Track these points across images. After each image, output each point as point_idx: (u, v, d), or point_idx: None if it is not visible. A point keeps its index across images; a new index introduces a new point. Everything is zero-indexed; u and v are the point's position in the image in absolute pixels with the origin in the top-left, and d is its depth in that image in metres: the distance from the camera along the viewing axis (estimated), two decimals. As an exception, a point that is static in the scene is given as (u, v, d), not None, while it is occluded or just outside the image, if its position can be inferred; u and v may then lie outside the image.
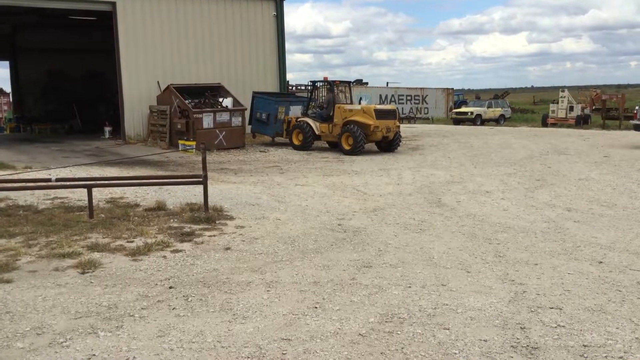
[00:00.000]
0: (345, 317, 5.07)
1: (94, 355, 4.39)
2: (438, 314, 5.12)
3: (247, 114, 21.24)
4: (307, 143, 19.64)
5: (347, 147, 18.50)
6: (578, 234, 8.01)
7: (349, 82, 21.31)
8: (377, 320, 5.01)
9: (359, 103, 20.01)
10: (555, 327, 4.82)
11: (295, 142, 19.96)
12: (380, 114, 18.62)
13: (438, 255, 7.01)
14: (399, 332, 4.75)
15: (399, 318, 5.04)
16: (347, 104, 19.90)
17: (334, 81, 20.14)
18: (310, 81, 21.09)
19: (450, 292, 5.69)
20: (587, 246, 7.38)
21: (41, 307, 5.34)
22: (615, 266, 6.51)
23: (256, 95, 22.00)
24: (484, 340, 4.57)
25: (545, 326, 4.83)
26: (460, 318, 5.03)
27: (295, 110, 21.57)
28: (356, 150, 18.21)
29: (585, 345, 4.46)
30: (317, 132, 19.57)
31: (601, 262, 6.67)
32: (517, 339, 4.59)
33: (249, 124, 21.69)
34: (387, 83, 50.79)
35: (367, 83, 46.02)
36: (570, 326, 4.83)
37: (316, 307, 5.32)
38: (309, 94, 20.85)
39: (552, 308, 5.24)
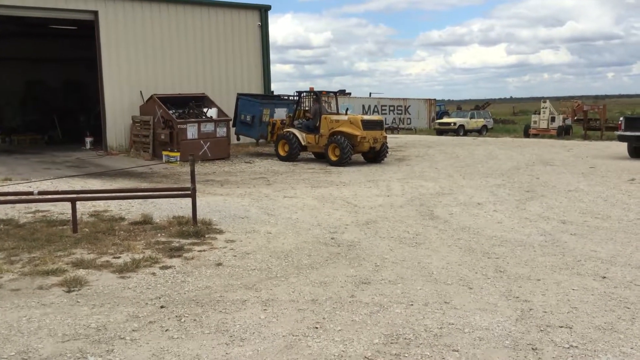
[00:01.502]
0: (348, 339, 4.84)
1: (84, 382, 4.12)
2: (445, 334, 4.92)
3: (232, 117, 20.94)
4: (294, 154, 19.37)
5: (333, 158, 18.28)
6: (577, 248, 7.87)
7: (335, 93, 21.09)
8: (382, 341, 4.79)
9: (346, 113, 19.69)
10: (568, 347, 4.63)
11: (282, 152, 19.68)
12: (367, 125, 18.42)
13: (437, 271, 6.81)
14: (406, 355, 4.53)
15: (405, 339, 4.83)
16: (334, 114, 19.66)
17: (320, 91, 19.94)
18: (296, 91, 20.88)
19: (454, 310, 5.49)
20: (588, 260, 7.23)
21: (26, 330, 5.04)
22: (619, 282, 6.36)
23: (240, 97, 21.72)
24: (496, 363, 4.37)
25: (558, 347, 4.65)
26: (468, 338, 4.83)
27: (280, 113, 21.32)
28: (343, 161, 17.99)
29: (601, 368, 4.28)
30: (303, 143, 19.32)
31: (604, 277, 6.52)
32: (531, 361, 4.40)
33: (233, 125, 21.41)
34: (370, 93, 50.81)
35: (349, 93, 45.94)
36: (583, 346, 4.65)
37: (317, 327, 5.09)
38: (295, 105, 20.55)
39: (561, 327, 5.06)
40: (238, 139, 21.94)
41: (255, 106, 21.05)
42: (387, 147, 19.55)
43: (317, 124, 19.05)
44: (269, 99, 23.16)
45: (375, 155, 19.06)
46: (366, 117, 20.55)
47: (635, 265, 7.01)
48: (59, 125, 27.34)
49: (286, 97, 23.60)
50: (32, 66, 28.14)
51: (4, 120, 29.33)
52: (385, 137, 19.24)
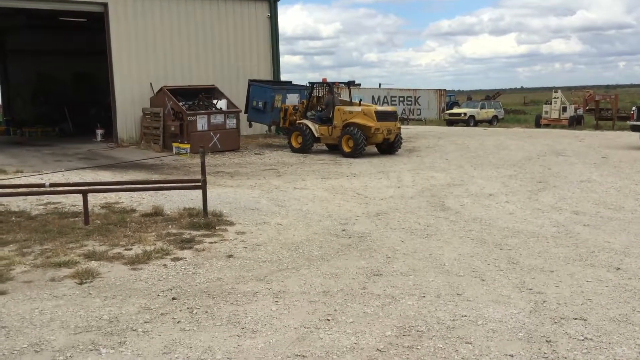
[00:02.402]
0: (360, 331, 4.82)
1: (97, 374, 4.12)
2: (457, 327, 4.88)
3: (242, 110, 20.85)
4: (307, 146, 19.23)
5: (347, 150, 18.11)
6: (590, 239, 7.80)
7: (348, 83, 20.85)
8: (395, 333, 4.76)
9: (359, 104, 19.46)
10: (583, 339, 4.59)
11: (295, 144, 19.55)
12: (381, 116, 18.19)
13: (449, 262, 6.77)
14: (419, 347, 4.50)
15: (417, 331, 4.80)
16: (347, 105, 19.39)
17: (333, 82, 19.74)
18: (309, 82, 20.65)
19: (467, 302, 5.45)
20: (602, 251, 7.17)
21: (38, 322, 5.05)
22: (634, 273, 6.29)
23: (252, 83, 21.60)
24: (510, 356, 4.33)
25: (572, 339, 4.60)
26: (481, 331, 4.79)
27: (292, 99, 21.13)
28: (356, 152, 17.82)
29: (617, 360, 4.24)
30: (316, 135, 19.14)
31: (619, 269, 6.46)
32: (545, 353, 4.36)
33: (245, 112, 21.34)
34: (380, 84, 50.61)
35: (359, 84, 45.75)
36: (597, 339, 4.61)
37: (328, 320, 5.06)
38: (308, 96, 20.38)
39: (576, 319, 5.01)
40: (250, 125, 21.86)
41: (267, 92, 20.91)
42: (401, 139, 19.33)
43: (330, 116, 18.88)
44: (281, 84, 22.99)
45: (389, 147, 18.87)
46: (380, 108, 20.18)
47: (650, 256, 6.94)
48: (70, 118, 27.43)
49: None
50: (42, 59, 28.23)
51: (16, 113, 29.48)
52: (399, 129, 19.00)
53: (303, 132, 19.22)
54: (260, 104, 20.87)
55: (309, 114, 19.79)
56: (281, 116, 20.52)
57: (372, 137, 18.04)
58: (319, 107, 20.02)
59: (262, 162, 17.24)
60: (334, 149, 19.18)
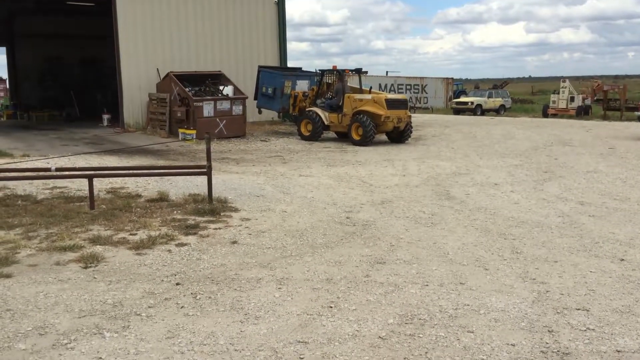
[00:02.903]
0: (362, 318, 4.83)
1: (101, 358, 4.15)
2: (460, 315, 4.89)
3: (248, 97, 20.77)
4: (317, 133, 19.05)
5: (356, 138, 17.96)
6: (595, 230, 7.78)
7: (359, 71, 20.54)
8: (397, 321, 4.77)
9: (369, 92, 19.29)
10: (585, 330, 4.59)
11: (304, 132, 19.37)
12: (392, 104, 18.01)
13: (453, 251, 6.78)
14: (420, 335, 4.51)
15: (420, 319, 4.81)
16: (357, 93, 19.21)
17: (343, 70, 19.52)
18: (319, 70, 20.49)
19: (470, 292, 5.46)
20: (606, 242, 7.15)
21: (43, 305, 5.09)
22: (638, 264, 6.28)
23: (262, 69, 21.52)
24: (512, 345, 4.34)
25: (574, 329, 4.61)
26: (483, 320, 4.80)
27: (302, 85, 21.00)
28: (366, 141, 17.66)
29: (618, 351, 4.24)
30: (326, 122, 18.97)
31: (623, 260, 6.44)
32: (547, 343, 4.36)
33: (255, 99, 21.30)
34: (387, 72, 50.40)
35: (366, 72, 45.55)
36: (600, 329, 4.61)
37: (331, 307, 5.08)
38: (318, 83, 20.18)
39: (578, 309, 5.01)
40: (260, 112, 21.83)
41: (276, 78, 20.80)
42: (411, 127, 19.13)
43: (340, 103, 18.71)
44: (291, 71, 22.86)
45: (399, 135, 18.69)
46: (390, 95, 20.05)
47: (655, 248, 6.92)
48: (77, 102, 27.47)
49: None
50: (50, 43, 28.26)
51: (23, 97, 29.54)
52: (410, 117, 18.79)
53: (313, 119, 19.04)
54: (270, 90, 20.78)
55: (318, 101, 19.63)
56: (291, 103, 20.38)
57: (382, 125, 17.88)
58: (328, 95, 19.87)
59: (267, 149, 17.24)
60: (344, 137, 19.03)
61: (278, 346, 4.33)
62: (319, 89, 19.97)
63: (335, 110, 18.89)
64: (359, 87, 19.92)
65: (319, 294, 5.41)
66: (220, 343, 4.39)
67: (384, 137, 19.06)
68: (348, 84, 19.67)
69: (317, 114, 19.02)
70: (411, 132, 19.13)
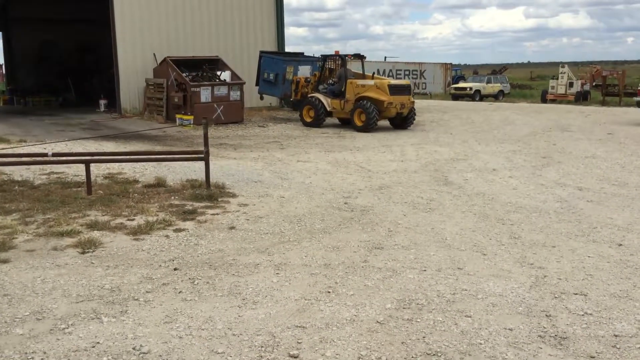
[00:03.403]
0: (360, 303, 4.83)
1: (98, 343, 4.14)
2: (458, 300, 4.89)
3: (245, 82, 20.62)
4: (319, 120, 18.79)
5: (359, 124, 17.79)
6: (593, 215, 7.78)
7: (362, 56, 20.15)
8: (395, 306, 4.77)
9: (372, 77, 19.05)
10: (583, 314, 4.59)
11: (307, 118, 19.10)
12: (394, 90, 17.80)
13: (451, 237, 6.77)
14: (418, 320, 4.51)
15: (417, 304, 4.81)
16: (360, 78, 18.94)
17: (346, 55, 19.24)
18: (322, 55, 20.20)
19: (467, 277, 5.45)
20: (604, 227, 7.15)
21: (40, 290, 5.08)
22: (636, 249, 6.29)
23: (263, 55, 21.30)
24: (509, 329, 4.34)
25: (572, 314, 4.61)
26: (481, 304, 4.80)
27: (304, 71, 20.77)
28: (369, 127, 17.47)
29: (616, 335, 4.24)
30: (328, 109, 18.73)
31: (621, 245, 6.45)
32: (544, 327, 4.37)
33: (256, 84, 21.14)
34: (385, 57, 50.19)
35: (365, 57, 45.38)
36: (597, 314, 4.61)
37: (329, 292, 5.08)
38: (320, 69, 19.91)
39: (576, 294, 5.02)
40: (261, 98, 21.71)
41: (278, 64, 20.59)
42: (415, 113, 18.91)
43: (343, 89, 18.46)
44: (293, 56, 22.60)
45: (403, 121, 18.49)
46: (393, 81, 19.76)
47: (652, 233, 6.92)
48: (73, 87, 27.33)
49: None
50: (46, 27, 28.03)
51: (19, 82, 29.38)
52: (413, 103, 18.56)
53: (315, 105, 18.78)
54: (272, 76, 20.58)
55: (320, 87, 19.39)
56: (293, 89, 20.17)
57: (385, 111, 17.68)
58: (330, 80, 19.65)
59: (265, 135, 17.19)
60: (346, 124, 18.79)
61: (276, 331, 4.33)
62: (322, 75, 19.72)
63: (337, 96, 18.66)
64: (361, 72, 19.63)
65: (317, 279, 5.40)
66: (218, 328, 4.39)
67: (387, 123, 18.86)
68: (351, 70, 19.48)
69: (319, 100, 18.80)
70: (414, 119, 18.93)
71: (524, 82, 57.20)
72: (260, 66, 21.06)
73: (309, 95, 19.34)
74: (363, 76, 19.23)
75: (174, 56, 20.25)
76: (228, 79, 20.11)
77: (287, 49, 25.09)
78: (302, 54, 23.36)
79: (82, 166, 8.94)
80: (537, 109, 27.78)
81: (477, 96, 37.64)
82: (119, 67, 20.99)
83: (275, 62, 20.72)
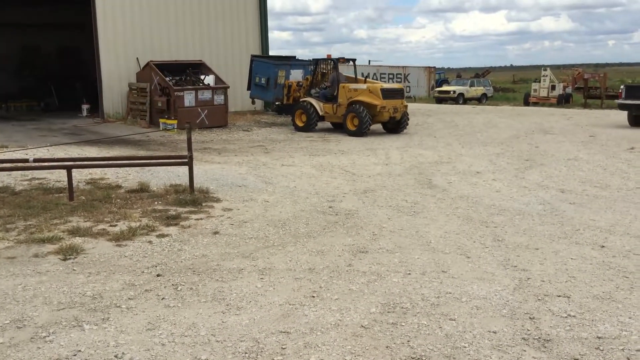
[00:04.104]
0: (345, 307, 4.82)
1: (80, 351, 4.09)
2: (442, 304, 4.90)
3: (230, 86, 20.52)
4: (312, 124, 18.61)
5: (351, 128, 17.61)
6: (575, 217, 7.83)
7: (354, 60, 19.85)
8: (379, 310, 4.77)
9: (365, 81, 18.87)
10: (566, 317, 4.61)
11: (299, 123, 18.91)
12: (387, 94, 17.63)
13: (435, 240, 6.78)
14: (403, 324, 4.51)
15: (402, 308, 4.81)
16: (352, 82, 18.67)
17: (338, 59, 19.07)
18: (313, 59, 20.02)
19: (452, 280, 5.46)
20: (587, 229, 7.20)
21: (21, 298, 5.01)
22: (618, 251, 6.33)
23: (255, 59, 21.15)
24: (493, 332, 4.35)
25: (555, 316, 4.63)
26: (465, 307, 4.81)
27: (296, 75, 20.57)
28: (362, 131, 17.32)
29: (599, 337, 4.26)
30: (320, 113, 18.53)
31: (603, 247, 6.49)
32: (528, 330, 4.38)
33: (248, 89, 21.02)
34: (369, 61, 50.34)
35: (349, 60, 45.40)
36: (581, 316, 4.63)
37: (313, 297, 5.06)
38: (312, 73, 19.73)
39: (559, 296, 5.04)
40: (253, 102, 21.59)
41: (270, 68, 20.37)
42: (408, 117, 18.74)
43: (335, 93, 18.25)
44: (285, 60, 22.41)
45: (396, 125, 18.31)
46: (386, 85, 19.58)
47: (634, 234, 6.99)
48: (56, 92, 27.07)
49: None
50: (28, 32, 27.74)
51: (0, 88, 29.05)
52: (406, 107, 18.40)
53: (307, 110, 18.60)
54: (263, 80, 20.36)
55: (312, 91, 19.19)
56: (285, 93, 19.95)
57: (378, 115, 17.51)
58: (323, 84, 19.42)
59: (250, 139, 17.15)
60: (339, 128, 18.58)
61: (260, 336, 4.31)
62: (314, 79, 19.55)
63: (330, 101, 18.45)
64: (353, 76, 19.36)
65: (301, 283, 5.38)
66: (202, 334, 4.35)
67: (379, 127, 18.67)
68: (343, 74, 19.26)
69: (312, 104, 18.60)
70: (407, 123, 18.77)
71: (507, 86, 57.67)
72: (252, 70, 20.93)
73: (301, 100, 19.17)
74: (355, 80, 19.04)
75: (157, 60, 20.13)
76: (212, 83, 20.04)
77: (272, 53, 25.06)
78: (294, 57, 23.24)
79: (64, 172, 8.85)
80: (520, 111, 27.98)
81: (460, 99, 37.87)
82: (102, 71, 20.83)
83: (267, 66, 20.55)
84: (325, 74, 19.84)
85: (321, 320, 4.59)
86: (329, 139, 16.87)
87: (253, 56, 21.42)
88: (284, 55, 23.79)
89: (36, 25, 27.33)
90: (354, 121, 17.66)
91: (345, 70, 20.59)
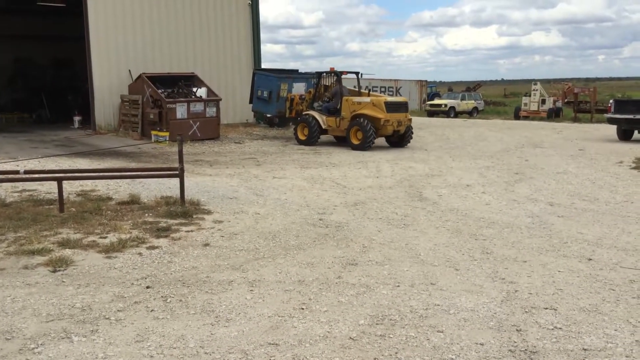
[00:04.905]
0: (334, 319, 4.84)
1: (68, 362, 4.09)
2: (430, 316, 4.93)
3: (222, 98, 20.55)
4: (313, 138, 18.44)
5: (355, 142, 17.42)
6: (564, 230, 7.90)
7: (357, 73, 19.82)
8: (368, 322, 4.79)
9: (369, 95, 18.72)
10: (552, 329, 4.66)
11: (301, 136, 18.78)
12: (391, 107, 17.47)
13: (424, 252, 6.82)
14: (391, 336, 4.54)
15: (390, 320, 4.84)
16: (356, 95, 18.52)
17: (341, 72, 19.01)
18: (316, 72, 19.88)
19: (440, 292, 5.50)
20: (574, 242, 7.27)
21: (10, 309, 5.01)
22: (605, 263, 6.39)
23: (257, 72, 21.12)
24: (480, 344, 4.38)
25: (542, 328, 4.67)
26: (453, 319, 4.84)
27: (299, 88, 20.49)
28: (366, 145, 17.14)
29: (585, 349, 4.30)
30: (323, 126, 18.34)
31: (590, 259, 6.55)
32: (514, 342, 4.42)
33: (250, 102, 20.96)
34: (362, 74, 50.48)
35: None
36: (567, 328, 4.68)
37: (303, 309, 5.08)
38: (315, 86, 19.61)
39: (546, 308, 5.08)
40: (255, 116, 21.54)
41: (272, 81, 20.37)
42: (412, 131, 18.67)
43: (338, 106, 18.13)
44: (287, 73, 22.35)
45: (400, 139, 18.20)
46: (390, 98, 19.38)
47: (621, 247, 7.05)
48: (48, 104, 27.03)
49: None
50: (20, 44, 27.73)
51: (-8, 99, 28.97)
52: (410, 120, 18.28)
53: (309, 123, 18.45)
54: (266, 94, 20.33)
55: (315, 104, 19.02)
56: (287, 106, 19.86)
57: (382, 129, 17.31)
58: (325, 97, 19.29)
59: (241, 151, 17.18)
60: (342, 142, 18.41)
61: (248, 348, 4.32)
62: (316, 92, 19.37)
63: (333, 114, 18.28)
64: (357, 89, 19.27)
65: (291, 295, 5.40)
66: (190, 346, 4.36)
67: (382, 141, 18.43)
68: (346, 87, 19.10)
69: (314, 118, 18.44)
70: (411, 136, 18.55)
71: (498, 99, 58.03)
72: (254, 84, 20.89)
73: (303, 113, 19.02)
74: (359, 93, 18.86)
75: (149, 72, 20.18)
76: (204, 96, 20.08)
77: (264, 66, 25.14)
78: (297, 71, 23.20)
79: (54, 183, 8.85)
80: (510, 125, 28.19)
81: (452, 113, 38.11)
82: (94, 83, 20.83)
83: (269, 80, 20.52)
84: (328, 87, 19.72)
85: (310, 332, 4.61)
86: (321, 152, 16.93)
87: (255, 69, 21.45)
88: (286, 68, 23.81)
89: (29, 37, 27.34)
90: (357, 135, 17.47)
91: (344, 83, 20.52)
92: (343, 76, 19.29)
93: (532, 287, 5.62)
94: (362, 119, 17.33)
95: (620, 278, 5.90)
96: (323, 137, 18.92)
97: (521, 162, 14.77)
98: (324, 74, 19.62)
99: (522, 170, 13.38)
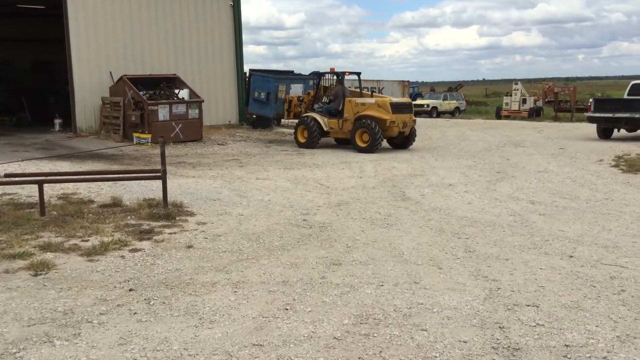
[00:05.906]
0: (318, 319, 4.85)
1: (50, 367, 4.06)
2: (414, 314, 4.95)
3: (204, 100, 20.49)
4: (313, 140, 17.97)
5: (361, 145, 16.97)
6: (545, 228, 7.98)
7: (358, 73, 19.27)
8: (352, 322, 4.80)
9: (372, 95, 18.12)
10: (535, 326, 4.70)
11: (300, 139, 18.37)
12: (397, 108, 17.05)
13: (408, 251, 6.85)
14: (375, 335, 4.55)
15: (374, 319, 4.85)
16: (358, 96, 18.00)
17: (343, 72, 18.56)
18: (315, 72, 19.38)
19: (424, 290, 5.53)
20: (556, 240, 7.34)
21: (-10, 314, 4.95)
22: (586, 260, 6.46)
23: (254, 73, 20.77)
24: (464, 342, 4.41)
25: (524, 325, 4.71)
26: (436, 318, 4.87)
27: (296, 89, 20.14)
28: (373, 147, 16.74)
29: (567, 345, 4.35)
30: (325, 128, 17.87)
31: (572, 257, 6.62)
32: (497, 339, 4.45)
33: (246, 104, 20.66)
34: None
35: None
36: (549, 325, 4.72)
37: (287, 309, 5.08)
38: (315, 87, 19.21)
39: (528, 305, 5.13)
40: (252, 118, 21.35)
41: (270, 82, 19.98)
42: (416, 133, 18.35)
43: (340, 108, 17.65)
44: (284, 74, 21.99)
45: (404, 141, 17.86)
46: (395, 99, 18.84)
47: (602, 244, 7.13)
48: (28, 107, 26.74)
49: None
50: (-1, 46, 27.44)
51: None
52: (414, 121, 17.96)
53: (308, 125, 18.02)
54: (263, 95, 19.97)
55: (316, 106, 18.60)
56: (285, 108, 19.41)
57: (388, 130, 16.88)
58: (325, 99, 18.89)
59: (224, 153, 17.13)
60: (343, 144, 18.11)
61: (233, 350, 4.31)
62: (317, 93, 18.96)
63: (334, 116, 17.82)
64: (358, 90, 18.76)
65: (275, 296, 5.40)
66: (174, 348, 4.34)
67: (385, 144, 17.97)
68: (347, 88, 18.77)
69: (315, 120, 18.02)
70: (415, 138, 18.30)
71: (479, 99, 58.51)
72: (250, 85, 20.54)
73: (303, 115, 18.63)
74: (361, 94, 18.36)
75: (130, 74, 20.05)
76: (186, 97, 19.99)
77: (247, 67, 25.05)
78: (292, 72, 22.93)
79: (35, 187, 8.76)
80: (491, 125, 28.41)
81: (434, 113, 38.37)
82: (75, 85, 20.64)
83: (267, 81, 20.17)
84: (327, 88, 19.35)
85: (294, 332, 4.61)
86: (304, 153, 16.93)
87: (252, 70, 21.06)
88: (281, 70, 23.56)
89: (8, 39, 27.03)
90: (363, 137, 17.03)
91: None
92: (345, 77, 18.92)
93: (514, 285, 5.67)
94: (369, 121, 16.87)
95: (601, 275, 5.97)
96: (322, 140, 18.56)
97: (503, 161, 14.88)
98: (323, 74, 19.09)
99: (504, 169, 13.48)
